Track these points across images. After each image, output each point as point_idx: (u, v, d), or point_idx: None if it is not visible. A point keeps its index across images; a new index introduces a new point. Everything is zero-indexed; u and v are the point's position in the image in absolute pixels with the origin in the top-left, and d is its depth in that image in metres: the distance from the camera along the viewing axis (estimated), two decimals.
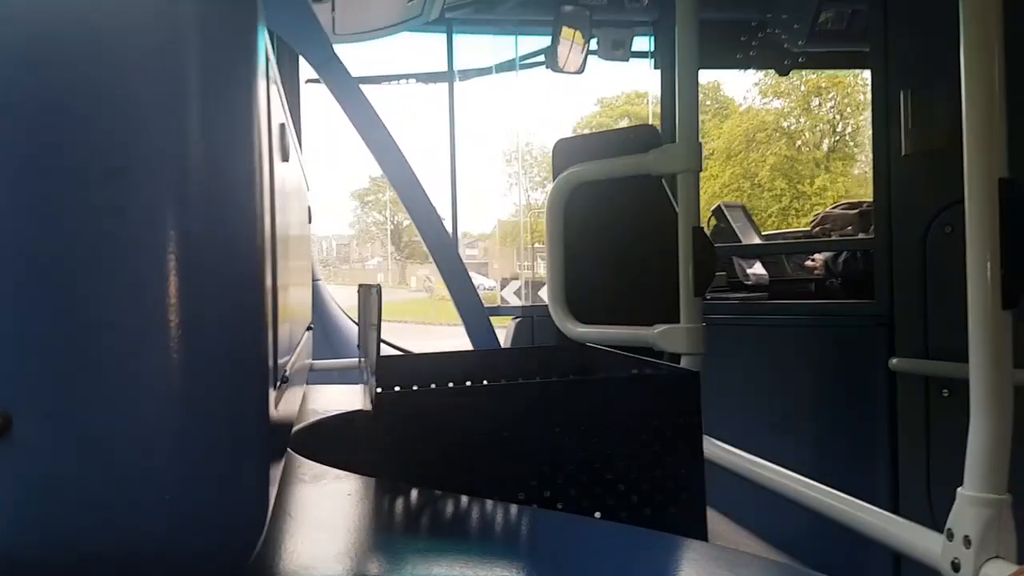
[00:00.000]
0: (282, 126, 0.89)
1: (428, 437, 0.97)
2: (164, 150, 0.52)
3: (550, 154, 2.01)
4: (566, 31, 3.39)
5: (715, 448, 1.41)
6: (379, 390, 0.97)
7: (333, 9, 3.19)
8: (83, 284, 0.50)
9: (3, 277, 0.49)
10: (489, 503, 0.89)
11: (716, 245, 1.75)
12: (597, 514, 1.01)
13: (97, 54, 0.52)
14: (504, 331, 3.11)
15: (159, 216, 0.52)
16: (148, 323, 0.51)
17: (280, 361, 0.76)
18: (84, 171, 0.51)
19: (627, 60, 3.63)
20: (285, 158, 0.89)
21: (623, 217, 1.87)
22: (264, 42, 0.65)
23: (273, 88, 0.78)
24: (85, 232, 0.51)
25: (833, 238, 2.95)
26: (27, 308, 0.49)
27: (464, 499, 0.89)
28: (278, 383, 0.73)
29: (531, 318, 3.00)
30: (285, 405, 0.83)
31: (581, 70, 3.48)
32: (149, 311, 0.51)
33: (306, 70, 3.17)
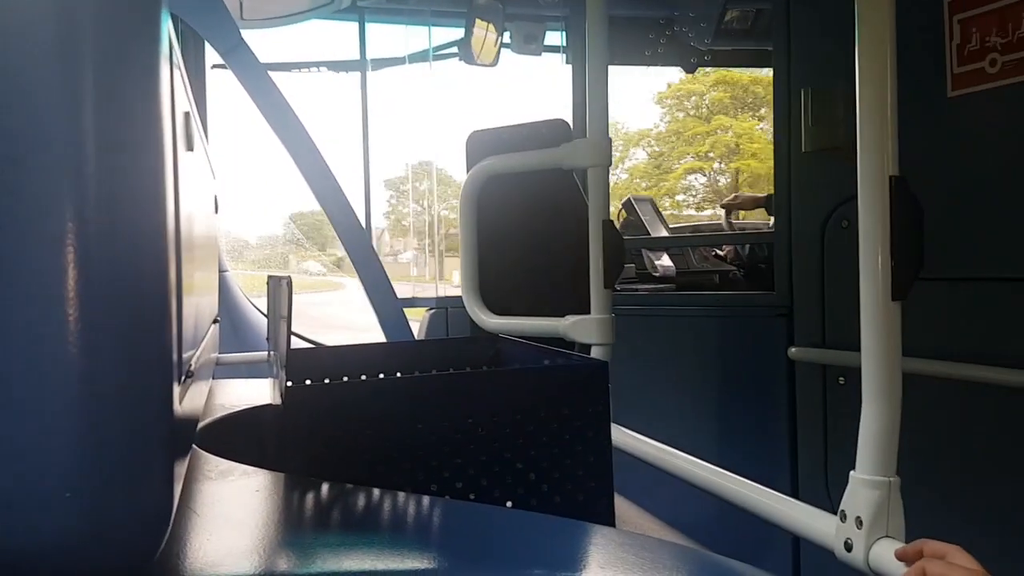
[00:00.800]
0: (187, 114, 0.86)
1: (340, 431, 0.96)
2: (61, 138, 0.50)
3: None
4: (479, 23, 3.39)
5: (623, 436, 1.44)
6: (289, 383, 0.96)
7: None
8: None
9: None
10: (401, 495, 0.89)
11: (625, 238, 1.79)
12: (509, 503, 1.03)
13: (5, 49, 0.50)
14: (418, 324, 3.10)
15: (56, 206, 0.50)
16: (45, 315, 0.49)
17: (185, 355, 0.74)
18: None
19: (539, 54, 3.66)
20: (190, 147, 0.87)
21: (537, 210, 1.89)
22: (167, 28, 0.63)
23: (177, 75, 0.76)
24: None
25: (735, 232, 3.06)
26: None
27: (376, 492, 0.89)
28: (183, 378, 0.71)
29: (445, 309, 2.99)
30: (190, 400, 0.81)
31: (495, 63, 3.49)
32: (46, 303, 0.49)
33: (213, 55, 3.07)
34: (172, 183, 0.62)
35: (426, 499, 0.89)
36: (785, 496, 1.12)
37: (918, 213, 0.97)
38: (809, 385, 2.27)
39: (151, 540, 0.53)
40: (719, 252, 3.16)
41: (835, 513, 0.99)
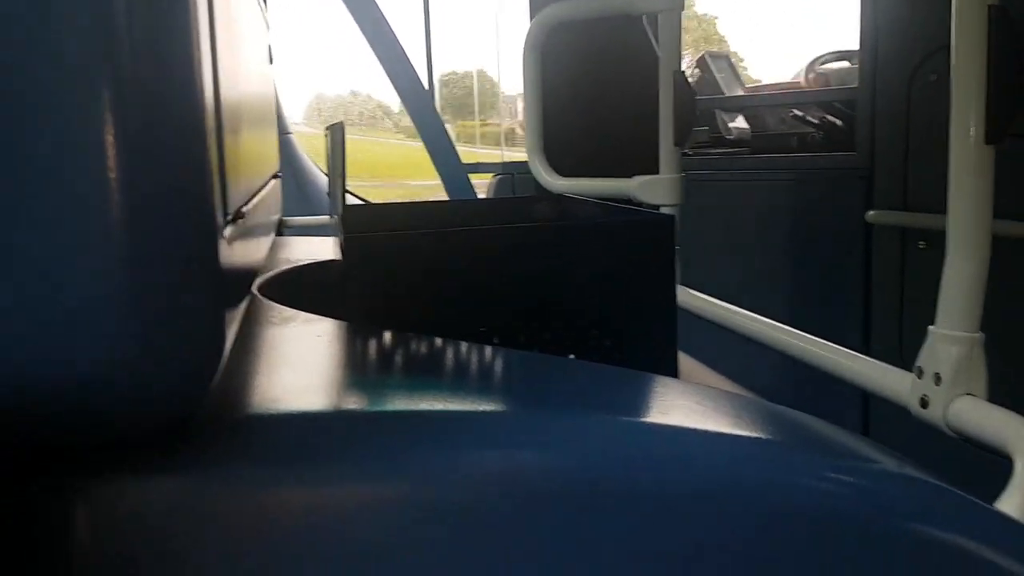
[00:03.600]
0: None
1: (401, 283, 0.95)
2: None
3: None
4: None
5: (690, 297, 1.41)
6: (346, 236, 0.95)
7: None
8: (15, 100, 0.46)
9: None
10: (464, 345, 0.88)
11: (698, 97, 1.69)
12: (571, 356, 1.02)
13: None
14: (483, 192, 3.07)
15: (87, 40, 0.47)
16: (84, 149, 0.47)
17: (232, 200, 0.72)
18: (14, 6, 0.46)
19: None
20: None
21: (604, 62, 1.80)
22: None
23: None
24: (7, 47, 0.46)
25: (815, 89, 2.88)
26: None
27: (439, 341, 0.88)
28: (228, 216, 0.70)
29: (511, 175, 2.95)
30: (243, 246, 0.81)
31: None
32: (84, 137, 0.47)
33: None
34: (206, 20, 0.58)
35: (488, 348, 0.89)
36: (857, 354, 1.09)
37: (1018, 46, 0.87)
38: (887, 249, 2.18)
39: (202, 369, 0.53)
40: (798, 112, 2.99)
41: (910, 371, 0.95)
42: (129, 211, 0.48)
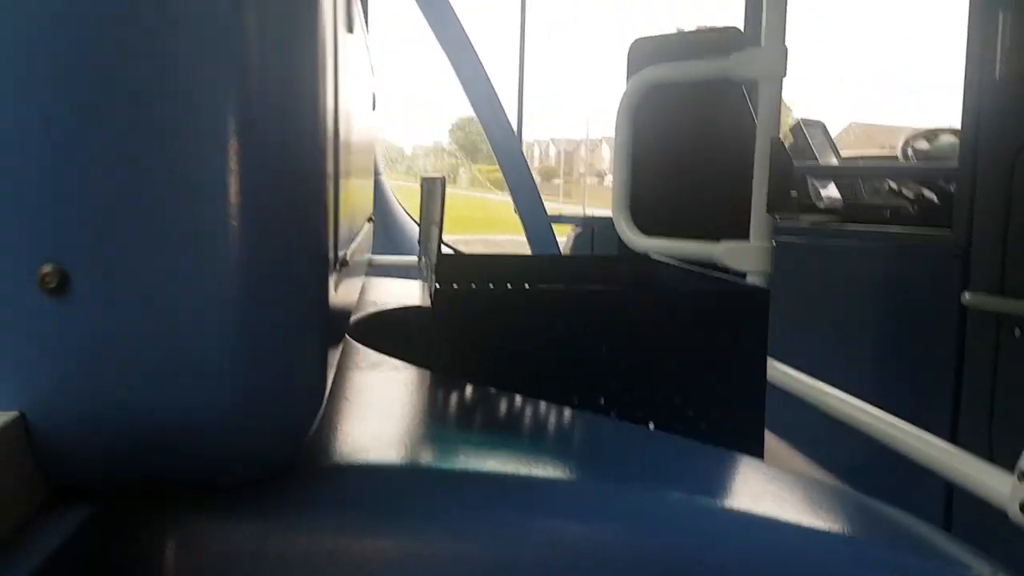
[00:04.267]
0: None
1: (485, 337, 0.96)
2: (220, 9, 0.49)
3: None
4: None
5: (776, 370, 1.37)
6: (437, 286, 0.96)
7: None
8: (147, 144, 0.49)
9: (66, 131, 0.47)
10: (543, 404, 0.88)
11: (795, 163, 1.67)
12: (651, 425, 1.00)
13: None
14: (563, 240, 3.07)
15: (219, 82, 0.49)
16: (210, 192, 0.49)
17: (340, 246, 0.74)
18: (147, 29, 0.49)
19: None
20: (350, 28, 0.85)
21: (696, 125, 1.79)
22: None
23: None
24: (147, 91, 0.49)
25: (913, 165, 2.81)
26: (92, 163, 0.48)
27: (518, 398, 0.88)
28: (338, 266, 0.72)
29: (591, 228, 2.95)
30: (344, 291, 0.83)
31: None
32: (211, 179, 0.49)
33: None
34: (332, 64, 0.61)
35: (568, 411, 0.88)
36: (954, 447, 1.03)
37: None
38: (981, 334, 2.09)
39: (304, 419, 0.54)
40: (892, 185, 2.91)
41: (1010, 471, 0.90)
42: (248, 254, 0.50)
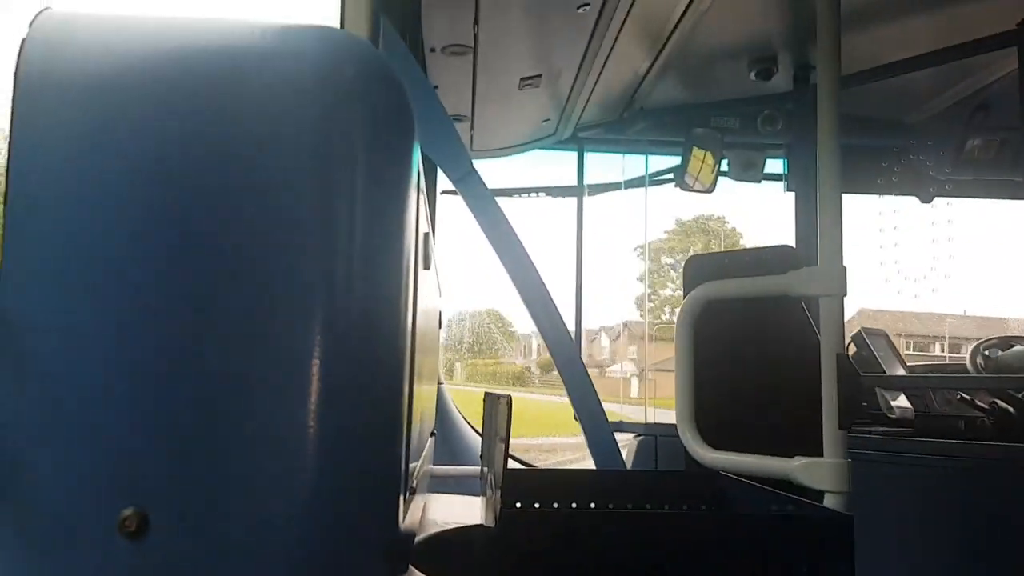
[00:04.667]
0: (426, 235, 0.90)
1: (551, 559, 0.91)
2: (320, 249, 0.53)
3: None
4: (696, 152, 3.41)
5: None
6: (500, 506, 0.93)
7: (472, 128, 3.35)
8: (226, 388, 0.50)
9: (154, 378, 0.49)
10: None
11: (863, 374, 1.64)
12: None
13: (272, 161, 0.54)
14: (624, 450, 3.00)
15: (309, 319, 0.52)
16: (287, 435, 0.50)
17: (411, 472, 0.74)
18: (238, 281, 0.52)
19: (759, 182, 3.59)
20: (427, 266, 0.90)
21: (758, 338, 1.79)
22: (417, 157, 0.67)
23: (421, 199, 0.79)
24: (233, 340, 0.51)
25: (989, 375, 2.73)
26: (168, 410, 0.49)
27: None
28: (408, 494, 0.70)
29: (654, 437, 2.89)
30: (411, 515, 0.81)
31: (711, 189, 3.47)
32: (289, 423, 0.50)
33: (442, 181, 3.31)
34: (412, 299, 0.63)
35: None
36: None
37: None
38: None
39: None
40: (965, 395, 2.81)
41: None
42: (325, 504, 0.49)
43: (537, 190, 3.84)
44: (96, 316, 0.50)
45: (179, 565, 0.48)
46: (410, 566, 0.96)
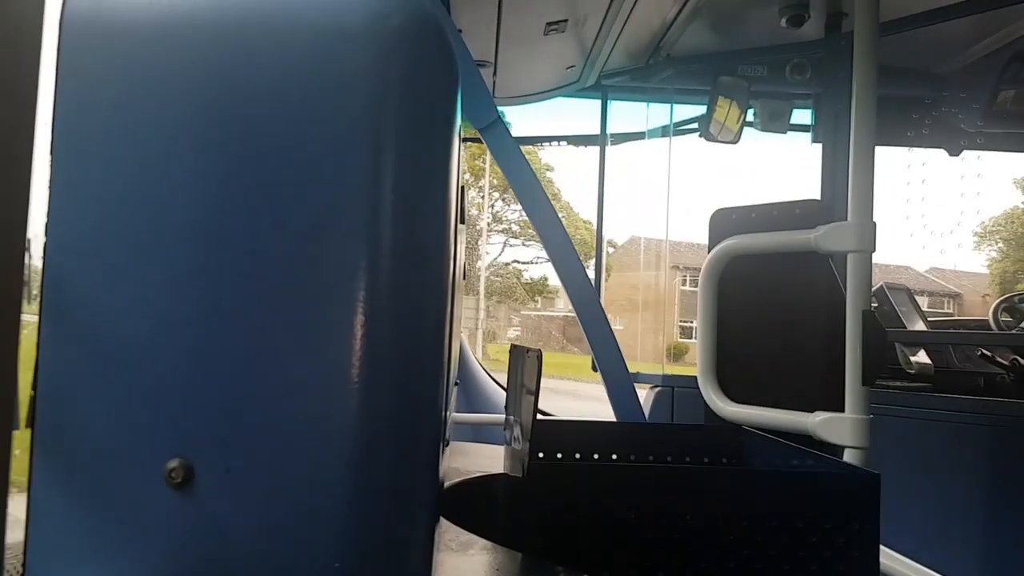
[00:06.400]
0: (462, 188, 0.90)
1: (577, 512, 0.93)
2: (371, 211, 0.53)
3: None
4: (722, 101, 3.34)
5: (888, 560, 1.28)
6: (527, 459, 0.95)
7: (495, 73, 3.30)
8: (273, 340, 0.50)
9: (194, 331, 0.50)
10: None
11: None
12: None
13: (319, 107, 0.54)
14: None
15: (355, 275, 0.52)
16: (332, 385, 0.50)
17: (447, 422, 0.75)
18: (287, 232, 0.52)
19: (785, 132, 3.53)
20: (463, 220, 0.90)
21: (783, 293, 1.78)
22: (459, 106, 0.66)
23: (460, 150, 0.79)
24: (278, 290, 0.51)
25: (1010, 332, 2.71)
26: (215, 363, 0.50)
27: None
28: (445, 445, 0.71)
29: (671, 388, 2.90)
30: (443, 467, 0.82)
31: (736, 140, 3.41)
32: (334, 374, 0.50)
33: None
34: (452, 255, 0.63)
35: None
36: None
37: None
38: None
39: None
40: (986, 352, 2.80)
41: None
42: (369, 452, 0.50)
43: (560, 139, 3.80)
44: (144, 267, 0.51)
45: (225, 517, 0.49)
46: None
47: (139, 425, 0.50)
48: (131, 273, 0.51)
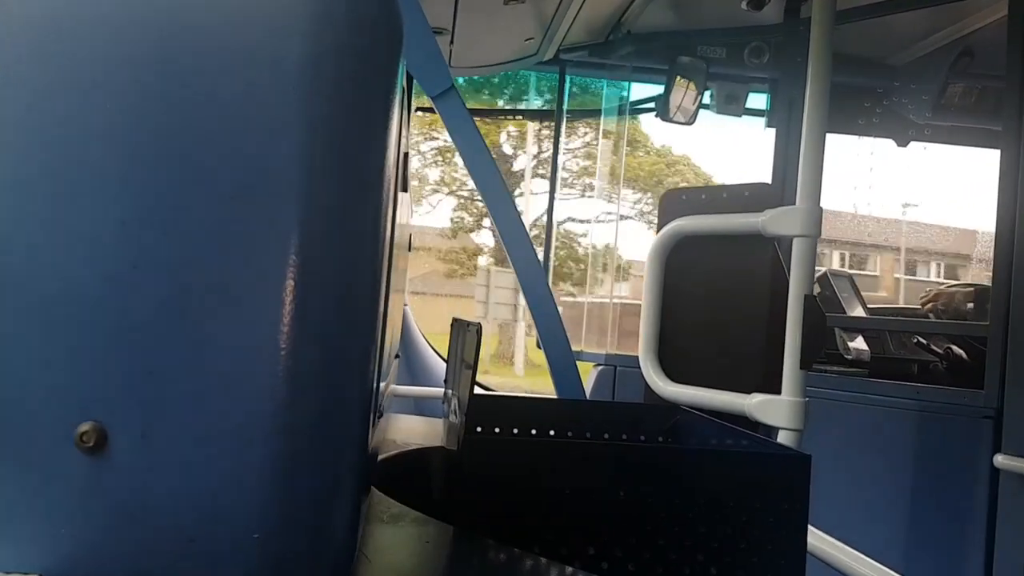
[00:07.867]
0: (405, 155, 0.87)
1: (511, 486, 0.92)
2: (302, 172, 0.50)
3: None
4: (680, 81, 3.35)
5: (816, 539, 1.31)
6: (463, 432, 0.93)
7: (452, 42, 3.24)
8: (195, 302, 0.48)
9: (111, 287, 0.47)
10: (569, 570, 0.83)
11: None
12: None
13: (253, 67, 0.51)
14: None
15: (284, 243, 0.49)
16: (256, 349, 0.48)
17: (380, 394, 0.73)
18: (214, 187, 0.49)
19: (740, 116, 3.56)
20: (405, 188, 0.87)
21: (728, 276, 1.80)
22: (403, 71, 0.63)
23: (404, 116, 0.76)
24: (199, 247, 0.48)
25: (943, 321, 2.79)
26: (132, 321, 0.47)
27: (544, 562, 0.84)
28: (376, 418, 0.70)
29: (613, 367, 2.92)
30: (377, 439, 0.80)
31: (691, 121, 3.43)
32: (258, 337, 0.48)
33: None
34: (390, 222, 0.61)
35: None
36: None
37: None
38: (1015, 497, 2.00)
39: (341, 571, 0.51)
40: (921, 339, 2.88)
41: None
42: (291, 417, 0.48)
43: (517, 112, 3.77)
44: (56, 219, 0.47)
45: (141, 482, 0.46)
46: (371, 486, 0.96)
47: (49, 386, 0.47)
48: (43, 225, 0.47)
